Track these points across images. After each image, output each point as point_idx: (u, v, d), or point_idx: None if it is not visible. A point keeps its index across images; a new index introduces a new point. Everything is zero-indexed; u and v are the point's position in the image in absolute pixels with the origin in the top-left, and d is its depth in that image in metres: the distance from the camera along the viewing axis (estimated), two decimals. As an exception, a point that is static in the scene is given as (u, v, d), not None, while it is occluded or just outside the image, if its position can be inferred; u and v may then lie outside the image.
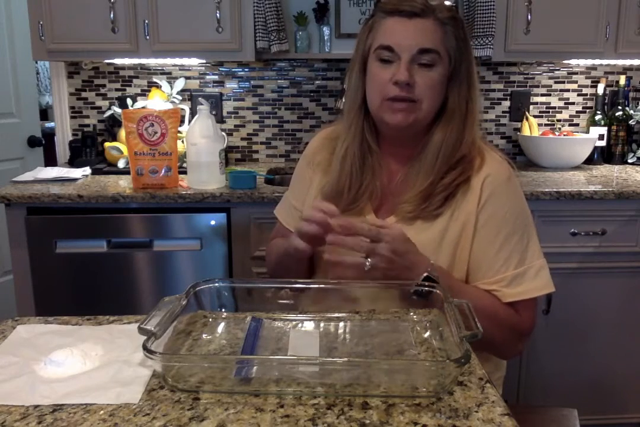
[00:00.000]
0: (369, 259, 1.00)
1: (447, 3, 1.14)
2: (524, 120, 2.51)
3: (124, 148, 2.24)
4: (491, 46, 2.19)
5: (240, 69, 2.55)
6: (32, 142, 2.99)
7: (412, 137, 1.18)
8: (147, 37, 2.16)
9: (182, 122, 2.22)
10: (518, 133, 2.54)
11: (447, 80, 1.13)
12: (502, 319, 1.11)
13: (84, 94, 2.54)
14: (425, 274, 1.03)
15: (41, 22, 2.15)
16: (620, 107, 2.49)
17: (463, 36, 1.14)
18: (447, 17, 1.11)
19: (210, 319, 0.95)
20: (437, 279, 1.02)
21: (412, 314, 0.96)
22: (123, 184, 2.06)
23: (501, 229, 1.13)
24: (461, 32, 1.13)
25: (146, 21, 2.15)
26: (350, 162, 1.18)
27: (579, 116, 2.64)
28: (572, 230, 2.00)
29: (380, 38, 1.13)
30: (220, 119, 2.55)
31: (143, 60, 2.43)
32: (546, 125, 2.61)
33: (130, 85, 2.53)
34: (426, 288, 0.96)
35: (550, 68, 2.59)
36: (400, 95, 1.10)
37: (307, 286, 1.00)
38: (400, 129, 1.14)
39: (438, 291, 0.93)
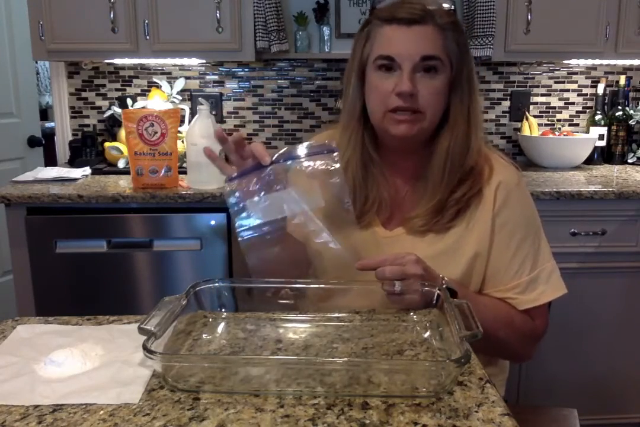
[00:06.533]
0: (397, 283, 0.97)
1: (445, 5, 1.10)
2: (524, 120, 2.51)
3: (124, 148, 2.24)
4: (491, 46, 2.19)
5: (240, 69, 2.55)
6: (32, 142, 2.99)
7: (415, 147, 1.15)
8: (147, 37, 2.16)
9: (182, 122, 2.22)
10: (518, 133, 2.54)
11: (449, 87, 1.10)
12: (518, 327, 1.11)
13: (84, 94, 2.54)
14: (444, 286, 1.01)
15: (41, 22, 2.15)
16: (620, 107, 2.49)
17: (463, 41, 1.11)
18: (447, 23, 1.08)
19: (210, 319, 0.95)
20: (456, 289, 1.01)
21: (412, 314, 0.96)
22: (123, 184, 2.06)
23: (515, 234, 1.13)
24: (461, 37, 1.11)
25: (146, 21, 2.15)
26: (352, 175, 1.14)
27: (579, 116, 2.64)
28: (572, 230, 2.00)
29: (379, 48, 1.09)
30: (220, 119, 2.54)
31: (143, 60, 2.43)
32: (546, 125, 2.61)
33: (130, 85, 2.53)
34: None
35: (550, 68, 2.59)
36: (404, 106, 1.06)
37: (307, 286, 1.00)
38: (405, 140, 1.11)
39: (439, 292, 0.93)
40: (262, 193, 0.98)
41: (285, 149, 1.01)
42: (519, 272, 1.12)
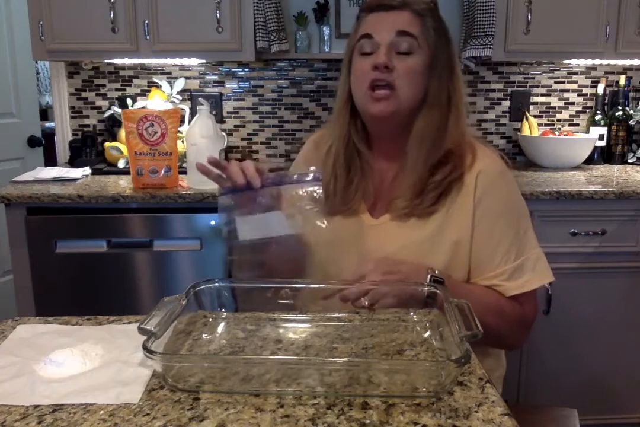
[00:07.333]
0: (364, 297, 0.98)
1: None
2: (524, 120, 2.51)
3: (124, 148, 2.24)
4: (491, 46, 2.19)
5: (240, 69, 2.55)
6: (32, 142, 2.99)
7: (398, 130, 1.17)
8: (147, 37, 2.16)
9: (182, 122, 2.22)
10: (518, 133, 2.54)
11: (427, 71, 1.14)
12: (508, 314, 1.12)
13: (84, 94, 2.54)
14: (429, 275, 1.03)
15: (41, 22, 2.15)
16: (620, 107, 2.49)
17: (441, 27, 1.16)
18: (424, 9, 1.14)
19: (210, 319, 0.95)
20: (443, 278, 1.03)
21: (412, 314, 0.96)
22: (123, 184, 2.06)
23: (498, 223, 1.14)
24: (439, 24, 1.16)
25: (146, 21, 2.15)
26: (333, 161, 1.20)
27: (579, 116, 2.64)
28: (572, 230, 2.00)
29: (360, 31, 1.16)
30: (220, 119, 2.54)
31: (143, 60, 2.43)
32: (546, 125, 2.61)
33: (130, 85, 2.53)
34: (432, 289, 0.96)
35: (550, 68, 2.59)
36: (380, 78, 1.11)
37: (307, 286, 1.00)
38: (384, 118, 1.14)
39: (439, 292, 0.93)
40: (253, 212, 1.06)
41: (276, 173, 1.09)
42: (503, 260, 1.13)
